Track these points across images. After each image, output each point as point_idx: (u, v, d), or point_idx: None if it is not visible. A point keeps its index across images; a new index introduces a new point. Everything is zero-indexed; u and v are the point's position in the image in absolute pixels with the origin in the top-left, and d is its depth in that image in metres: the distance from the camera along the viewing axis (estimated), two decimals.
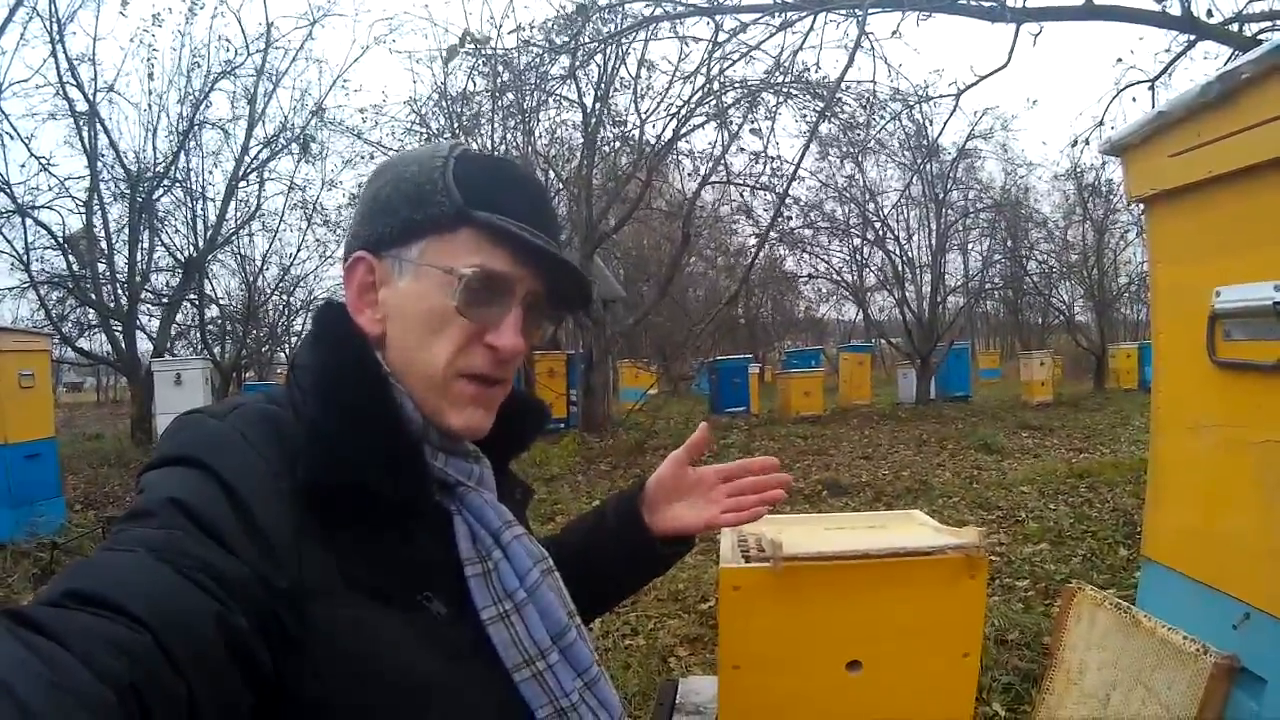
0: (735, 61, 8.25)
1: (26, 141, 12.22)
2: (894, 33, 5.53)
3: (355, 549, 0.73)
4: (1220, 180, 1.69)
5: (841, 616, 1.67)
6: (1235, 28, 5.16)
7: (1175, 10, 4.77)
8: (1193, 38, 5.17)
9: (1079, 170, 18.97)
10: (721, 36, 6.88)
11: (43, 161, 12.51)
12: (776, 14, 5.69)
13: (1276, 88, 1.50)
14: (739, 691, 1.72)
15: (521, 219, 0.80)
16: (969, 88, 5.26)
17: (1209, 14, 4.99)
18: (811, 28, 5.76)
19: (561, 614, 0.84)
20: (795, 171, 11.15)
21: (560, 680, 0.81)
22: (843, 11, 5.32)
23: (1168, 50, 6.11)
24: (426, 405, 0.81)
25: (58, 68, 12.15)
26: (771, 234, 15.96)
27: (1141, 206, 2.10)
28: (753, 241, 15.63)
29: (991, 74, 4.84)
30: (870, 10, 4.96)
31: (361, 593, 0.71)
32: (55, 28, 11.83)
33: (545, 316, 0.89)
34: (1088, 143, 7.65)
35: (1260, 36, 5.23)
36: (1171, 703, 1.65)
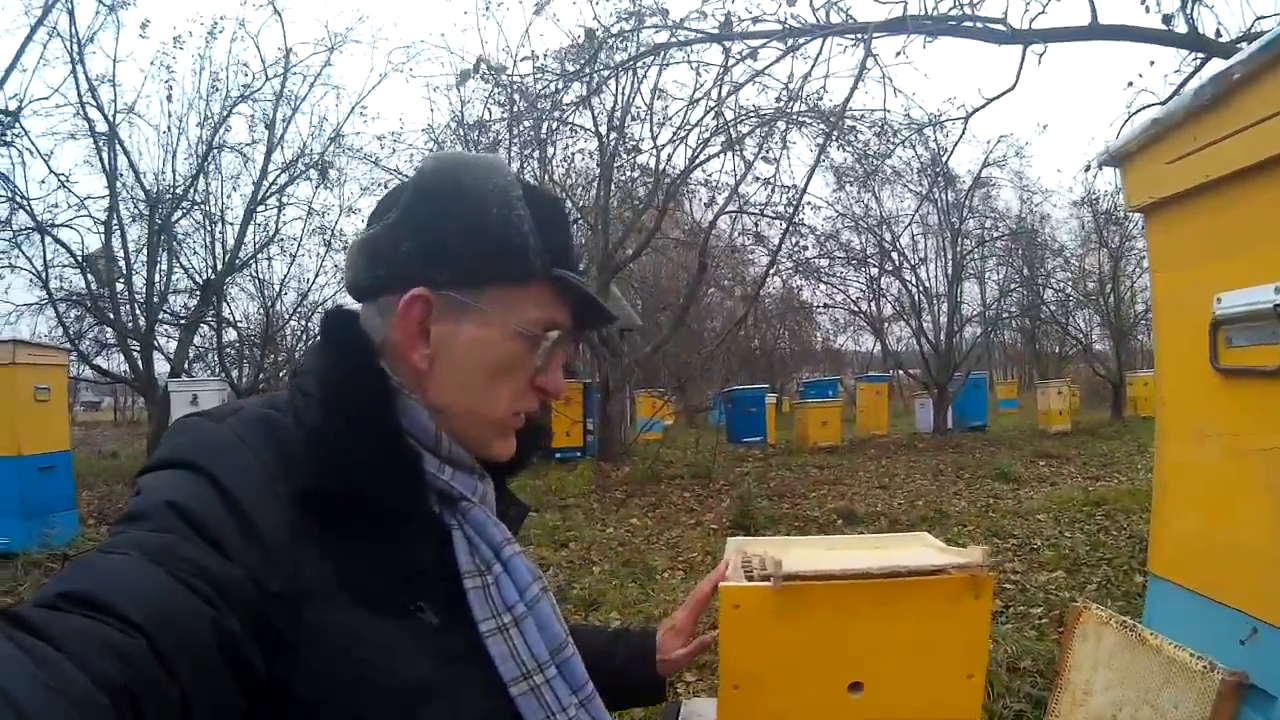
0: (744, 85, 8.32)
1: (46, 158, 12.43)
2: (899, 54, 5.55)
3: (351, 554, 0.74)
4: (1217, 184, 1.66)
5: (843, 636, 1.63)
6: (1244, 46, 5.14)
7: (1181, 28, 4.77)
8: (1202, 57, 5.16)
9: (1094, 197, 18.95)
10: (730, 61, 6.94)
11: (62, 178, 12.68)
12: (784, 39, 5.74)
13: (1269, 86, 1.48)
14: (739, 712, 1.68)
15: (572, 266, 0.84)
16: (977, 110, 5.28)
17: (1217, 33, 4.99)
18: (820, 52, 5.82)
19: (559, 629, 0.85)
20: (803, 193, 11.16)
21: (558, 695, 0.82)
22: (850, 36, 5.37)
23: (1178, 71, 6.12)
24: (474, 438, 0.84)
25: (78, 88, 12.39)
26: (787, 263, 15.99)
27: (1142, 217, 2.07)
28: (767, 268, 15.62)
29: (999, 96, 4.86)
30: (875, 34, 4.99)
31: (356, 598, 0.72)
32: (75, 48, 12.07)
33: (574, 350, 0.96)
34: (1101, 167, 7.60)
35: None
36: None
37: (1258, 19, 5.23)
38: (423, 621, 0.76)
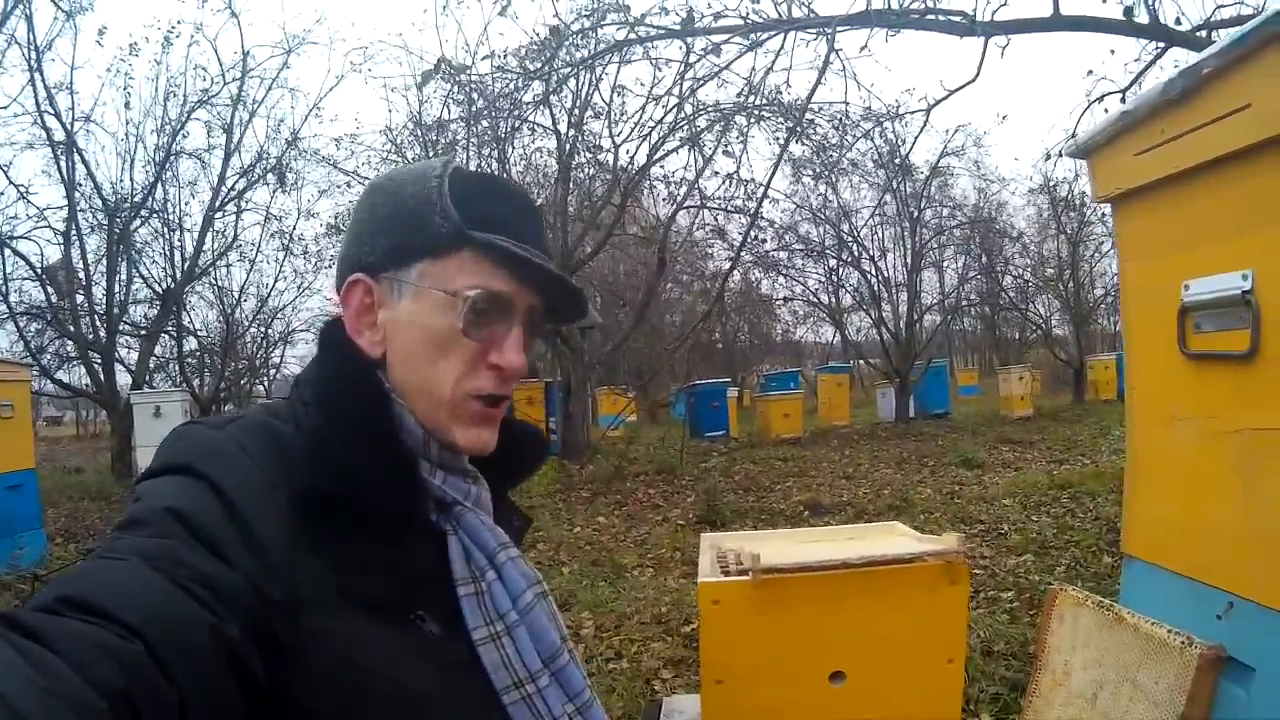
0: (706, 81, 8.32)
1: (4, 170, 12.16)
2: (863, 49, 5.64)
3: (350, 561, 0.73)
4: (1185, 175, 1.71)
5: (823, 627, 1.66)
6: (1204, 34, 5.26)
7: (1143, 19, 4.87)
8: (1162, 45, 5.27)
9: (1052, 184, 19.22)
10: (693, 58, 6.94)
11: (22, 190, 12.42)
12: (747, 34, 5.76)
13: (1237, 81, 1.53)
14: (722, 707, 1.70)
15: (515, 236, 0.81)
16: (939, 102, 5.35)
17: (1177, 21, 5.10)
18: (782, 47, 5.85)
19: (554, 637, 0.84)
20: (765, 191, 11.21)
21: (549, 704, 0.81)
22: (812, 31, 5.40)
23: (1138, 60, 6.24)
24: (433, 424, 0.82)
25: (35, 96, 12.10)
26: (746, 257, 16.03)
27: (1109, 208, 2.12)
28: (727, 265, 15.66)
29: (961, 88, 4.92)
30: (839, 28, 5.02)
31: (355, 605, 0.71)
32: (34, 56, 11.76)
33: (542, 332, 0.90)
34: (1060, 155, 7.74)
35: None
36: (1159, 697, 1.64)
37: (1218, 7, 5.36)
38: (423, 631, 0.76)
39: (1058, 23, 4.97)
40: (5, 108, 12.05)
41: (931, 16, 5.12)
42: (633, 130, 11.74)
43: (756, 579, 1.62)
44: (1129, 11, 4.87)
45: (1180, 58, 6.05)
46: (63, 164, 12.67)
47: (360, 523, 0.74)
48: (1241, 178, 1.56)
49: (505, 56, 9.42)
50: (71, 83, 12.66)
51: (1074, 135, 7.25)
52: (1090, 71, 6.36)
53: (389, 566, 0.76)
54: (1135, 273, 2.01)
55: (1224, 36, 1.57)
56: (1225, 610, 1.61)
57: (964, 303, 23.36)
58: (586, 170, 13.31)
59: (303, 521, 0.71)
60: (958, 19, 5.05)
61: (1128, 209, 1.99)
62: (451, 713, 0.75)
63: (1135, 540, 2.01)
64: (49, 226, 12.97)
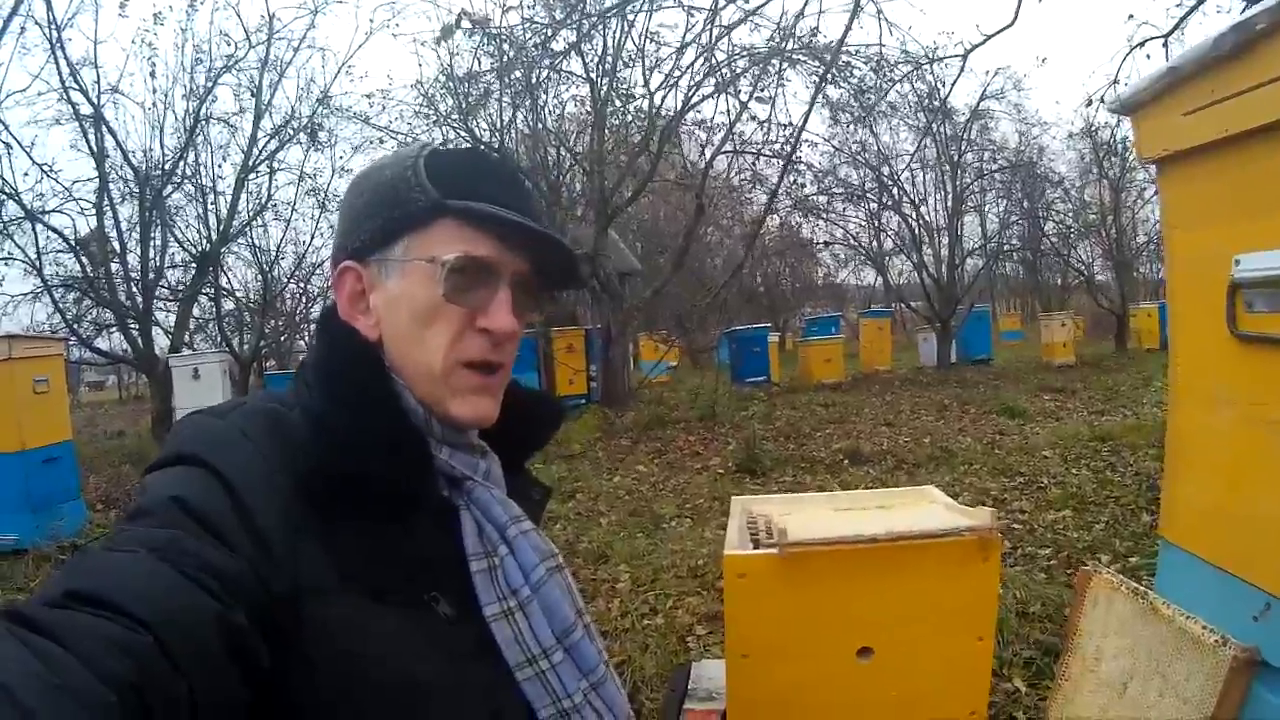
0: (736, 26, 8.08)
1: (28, 149, 12.23)
2: None
3: (356, 546, 0.73)
4: (1237, 139, 1.57)
5: (850, 602, 1.62)
6: None
7: None
8: None
9: (1094, 129, 18.61)
10: (721, 3, 6.71)
11: (45, 168, 12.49)
12: None
13: None
14: (747, 680, 1.67)
15: (498, 203, 0.81)
16: (976, 47, 5.13)
17: None
18: None
19: (568, 612, 0.84)
20: (800, 133, 10.96)
21: (563, 680, 0.81)
22: None
23: (1179, 4, 5.92)
24: (430, 398, 0.81)
25: (59, 73, 12.08)
26: (787, 201, 15.78)
27: (1154, 168, 1.99)
28: (764, 210, 15.43)
29: (998, 33, 4.70)
30: None
31: (360, 592, 0.71)
32: (54, 33, 11.73)
33: (536, 296, 0.88)
34: (1102, 101, 7.45)
35: None
36: (1189, 695, 1.57)
37: None
38: (436, 613, 0.76)
39: None
40: (27, 89, 12.10)
41: None
42: (665, 77, 11.50)
43: (784, 553, 1.58)
44: None
45: (1222, 3, 5.73)
46: (91, 137, 12.72)
47: (367, 503, 0.74)
48: None
49: (534, 7, 9.22)
50: (95, 57, 12.64)
51: (1115, 81, 7.00)
52: (1131, 16, 6.05)
53: (397, 548, 0.76)
54: (1182, 242, 1.87)
55: None
56: (1262, 612, 1.52)
57: (1005, 247, 22.86)
58: (621, 116, 13.09)
59: (307, 506, 0.71)
60: None
61: (1174, 172, 1.85)
62: (457, 701, 0.74)
63: (1174, 525, 1.92)
64: (76, 200, 13.07)
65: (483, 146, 11.71)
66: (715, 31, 8.30)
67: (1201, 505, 1.81)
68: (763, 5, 6.30)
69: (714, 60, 9.91)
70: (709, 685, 2.24)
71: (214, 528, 0.65)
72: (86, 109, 12.56)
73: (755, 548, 1.69)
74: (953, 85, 17.12)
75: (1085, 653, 1.97)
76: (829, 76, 10.32)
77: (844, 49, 8.85)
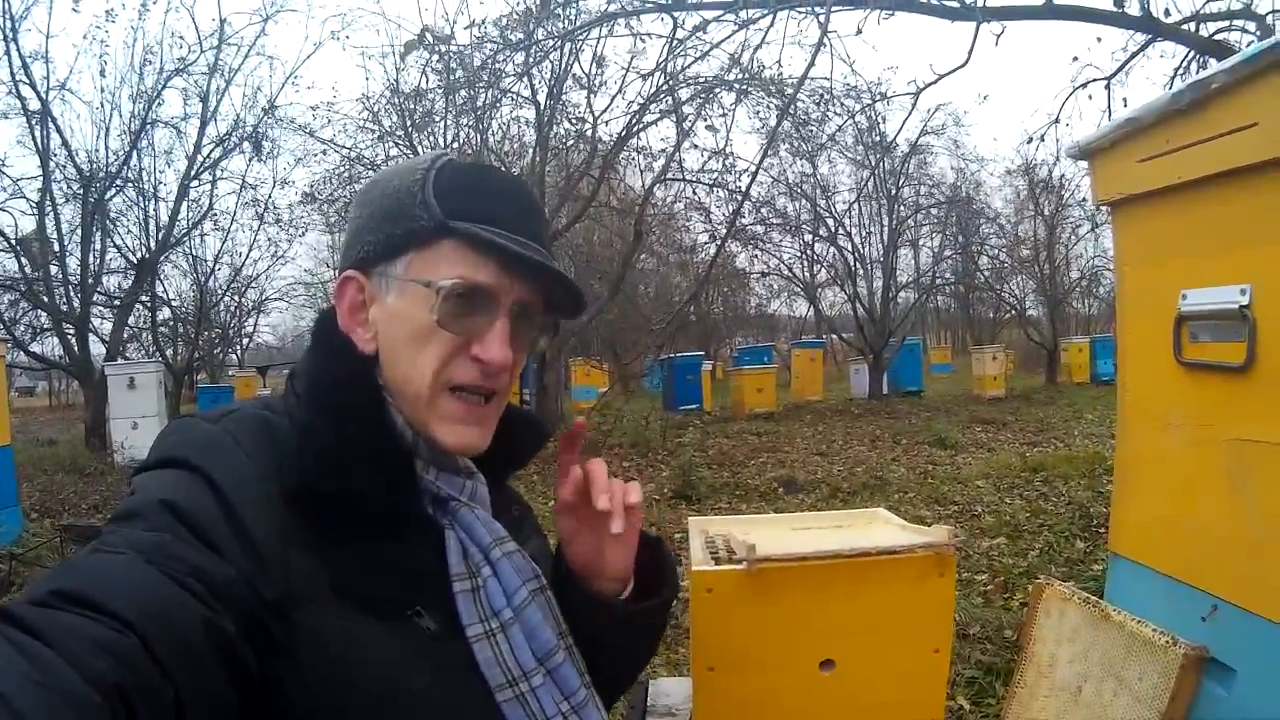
0: (695, 61, 8.23)
1: None
2: (858, 31, 5.57)
3: (345, 557, 0.73)
4: (1188, 186, 1.74)
5: (814, 616, 1.68)
6: (1192, 27, 5.30)
7: (1135, 10, 4.89)
8: (1150, 36, 5.30)
9: (1032, 166, 19.27)
10: (681, 33, 6.86)
11: None
12: (737, 12, 5.70)
13: (1245, 99, 1.55)
14: (714, 693, 1.72)
15: (506, 227, 0.79)
16: (928, 86, 5.33)
17: (1166, 13, 5.13)
18: (772, 24, 5.80)
19: (550, 635, 0.83)
20: (757, 172, 11.16)
21: (542, 703, 0.80)
22: (803, 10, 5.35)
23: (1124, 49, 6.27)
24: (416, 420, 0.80)
25: (10, 66, 11.72)
26: (722, 230, 15.94)
27: (1108, 209, 2.15)
28: (704, 238, 15.60)
29: (951, 73, 4.90)
30: (833, 9, 4.98)
31: (349, 602, 0.71)
32: (9, 25, 11.40)
33: (537, 326, 0.86)
34: (1043, 139, 7.81)
35: (1217, 36, 5.38)
36: (1143, 694, 1.70)
37: (1206, 1, 5.38)
38: (420, 628, 0.75)
39: (1051, 11, 4.98)
40: None
41: (928, 0, 5.11)
42: (612, 102, 11.61)
43: (751, 568, 1.64)
44: (1120, 2, 4.89)
45: (1166, 49, 6.11)
46: (38, 134, 12.35)
47: (355, 519, 0.74)
48: (1244, 193, 1.58)
49: (485, 25, 9.23)
50: (47, 52, 12.31)
51: (1057, 120, 7.38)
52: (1076, 58, 6.38)
53: (385, 563, 0.76)
54: (1133, 277, 2.04)
55: (1239, 52, 1.59)
56: (1209, 613, 1.66)
57: (939, 281, 23.47)
58: (564, 141, 13.13)
59: (297, 517, 0.71)
60: (951, 3, 5.03)
61: (1128, 214, 2.02)
62: (443, 712, 0.74)
63: (1123, 540, 2.06)
64: (24, 197, 12.69)
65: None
66: (671, 61, 8.44)
67: (1151, 520, 1.96)
68: (724, 40, 6.46)
69: (662, 78, 10.02)
70: (667, 702, 2.28)
71: (204, 533, 0.65)
72: (35, 104, 12.22)
73: (717, 564, 1.74)
74: (903, 123, 17.53)
75: (1040, 660, 2.09)
76: (790, 112, 10.52)
77: (787, 80, 9.05)
